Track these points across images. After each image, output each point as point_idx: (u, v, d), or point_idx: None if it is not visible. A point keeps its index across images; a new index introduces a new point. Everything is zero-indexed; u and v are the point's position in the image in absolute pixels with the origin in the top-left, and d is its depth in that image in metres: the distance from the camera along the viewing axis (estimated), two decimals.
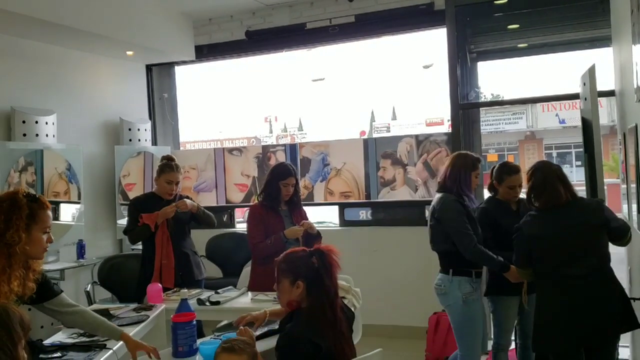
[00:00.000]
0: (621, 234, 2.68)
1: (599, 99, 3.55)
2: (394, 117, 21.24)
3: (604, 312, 2.56)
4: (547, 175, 2.75)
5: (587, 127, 3.59)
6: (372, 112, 21.82)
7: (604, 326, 2.58)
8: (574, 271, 2.59)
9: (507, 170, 3.33)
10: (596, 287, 2.59)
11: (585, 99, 3.65)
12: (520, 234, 2.76)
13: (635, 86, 2.79)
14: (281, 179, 3.46)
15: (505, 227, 3.09)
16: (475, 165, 3.15)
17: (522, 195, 3.41)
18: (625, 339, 2.95)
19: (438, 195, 3.15)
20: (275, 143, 15.02)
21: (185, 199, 3.64)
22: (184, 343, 2.34)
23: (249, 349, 2.01)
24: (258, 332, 2.43)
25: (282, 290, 2.19)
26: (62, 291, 2.44)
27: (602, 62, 4.15)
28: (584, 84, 3.66)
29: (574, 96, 4.24)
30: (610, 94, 4.21)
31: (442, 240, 3.09)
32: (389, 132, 18.61)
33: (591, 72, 3.50)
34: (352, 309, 2.95)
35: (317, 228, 3.49)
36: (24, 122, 4.56)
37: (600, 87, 3.60)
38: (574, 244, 2.63)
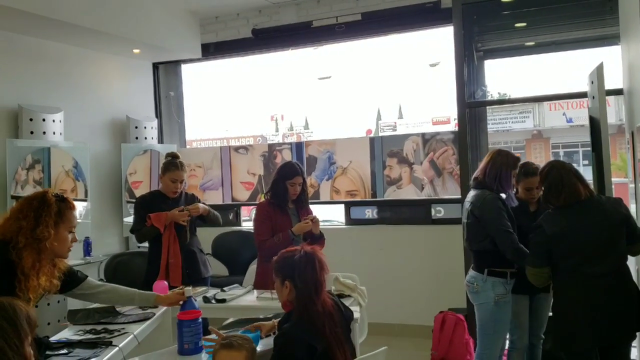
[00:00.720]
0: (637, 238, 2.66)
1: (606, 97, 3.53)
2: (400, 116, 21.12)
3: (623, 312, 2.54)
4: (564, 173, 2.68)
5: (595, 125, 3.57)
6: (379, 111, 21.70)
7: (622, 326, 2.56)
8: (596, 270, 2.55)
9: (524, 172, 3.20)
10: (615, 286, 2.56)
11: (593, 97, 3.63)
12: (541, 231, 2.66)
13: None
14: (288, 179, 3.45)
15: (518, 227, 3.01)
16: (516, 164, 3.09)
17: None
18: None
19: (476, 192, 3.07)
20: (281, 141, 15.01)
21: (197, 204, 3.66)
22: (190, 340, 2.35)
23: (247, 345, 2.01)
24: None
25: (276, 290, 2.22)
26: (87, 276, 2.59)
27: (610, 60, 4.11)
28: (592, 83, 3.64)
29: (582, 95, 4.21)
30: (618, 92, 4.18)
31: (480, 239, 3.02)
32: (395, 130, 18.52)
33: (599, 70, 3.48)
34: (358, 307, 2.95)
35: (321, 228, 3.47)
36: (31, 119, 4.58)
37: (608, 85, 3.58)
38: (595, 241, 2.57)
